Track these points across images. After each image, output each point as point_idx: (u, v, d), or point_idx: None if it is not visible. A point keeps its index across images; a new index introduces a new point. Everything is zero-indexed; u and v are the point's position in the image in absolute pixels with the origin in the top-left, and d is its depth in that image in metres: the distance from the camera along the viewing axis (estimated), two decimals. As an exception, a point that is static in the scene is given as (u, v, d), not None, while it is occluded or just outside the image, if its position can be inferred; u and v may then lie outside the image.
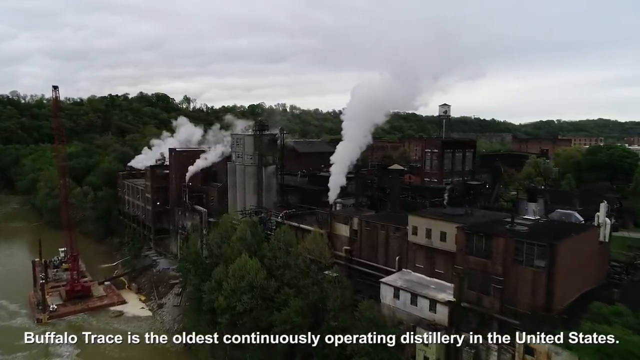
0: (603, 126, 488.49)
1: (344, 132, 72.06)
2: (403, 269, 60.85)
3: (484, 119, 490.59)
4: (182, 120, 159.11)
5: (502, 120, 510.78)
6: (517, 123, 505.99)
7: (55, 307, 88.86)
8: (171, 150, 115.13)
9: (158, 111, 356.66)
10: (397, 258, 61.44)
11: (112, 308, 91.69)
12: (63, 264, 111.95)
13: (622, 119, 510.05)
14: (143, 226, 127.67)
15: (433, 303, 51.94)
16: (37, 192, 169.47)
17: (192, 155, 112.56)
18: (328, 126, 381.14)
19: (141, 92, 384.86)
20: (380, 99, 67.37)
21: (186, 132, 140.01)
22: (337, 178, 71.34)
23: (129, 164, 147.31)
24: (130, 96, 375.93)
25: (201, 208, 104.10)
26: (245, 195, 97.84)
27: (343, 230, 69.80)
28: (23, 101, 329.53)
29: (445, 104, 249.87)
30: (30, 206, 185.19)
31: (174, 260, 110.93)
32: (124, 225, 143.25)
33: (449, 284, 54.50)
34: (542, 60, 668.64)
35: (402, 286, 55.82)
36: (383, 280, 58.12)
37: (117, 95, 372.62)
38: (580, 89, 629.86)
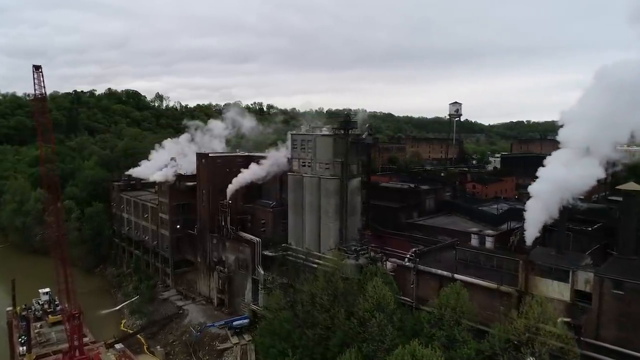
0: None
1: (566, 133, 45.21)
2: None
3: (457, 120, 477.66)
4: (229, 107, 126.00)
5: (473, 121, 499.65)
6: (487, 124, 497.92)
7: (51, 399, 58.31)
8: (201, 155, 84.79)
9: (129, 109, 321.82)
10: (700, 350, 35.71)
11: (136, 393, 61.92)
12: (49, 315, 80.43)
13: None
14: (154, 255, 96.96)
15: None
16: (0, 206, 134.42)
17: (231, 162, 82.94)
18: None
19: (109, 89, 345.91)
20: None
21: (235, 120, 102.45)
22: (542, 205, 44.28)
23: (127, 172, 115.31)
24: (97, 93, 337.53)
25: (251, 237, 75.45)
26: (318, 219, 69.94)
27: (553, 290, 43.46)
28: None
29: (456, 102, 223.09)
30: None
31: (207, 305, 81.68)
32: (121, 251, 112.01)
33: None
34: (499, 65, 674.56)
35: None
36: None
37: (82, 91, 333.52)
38: (539, 92, 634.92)
